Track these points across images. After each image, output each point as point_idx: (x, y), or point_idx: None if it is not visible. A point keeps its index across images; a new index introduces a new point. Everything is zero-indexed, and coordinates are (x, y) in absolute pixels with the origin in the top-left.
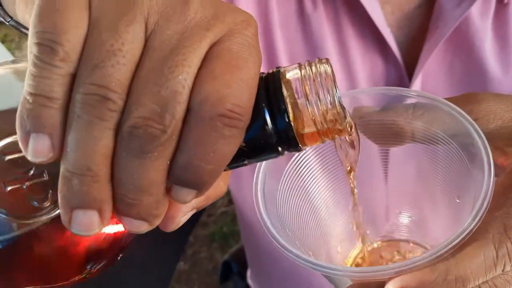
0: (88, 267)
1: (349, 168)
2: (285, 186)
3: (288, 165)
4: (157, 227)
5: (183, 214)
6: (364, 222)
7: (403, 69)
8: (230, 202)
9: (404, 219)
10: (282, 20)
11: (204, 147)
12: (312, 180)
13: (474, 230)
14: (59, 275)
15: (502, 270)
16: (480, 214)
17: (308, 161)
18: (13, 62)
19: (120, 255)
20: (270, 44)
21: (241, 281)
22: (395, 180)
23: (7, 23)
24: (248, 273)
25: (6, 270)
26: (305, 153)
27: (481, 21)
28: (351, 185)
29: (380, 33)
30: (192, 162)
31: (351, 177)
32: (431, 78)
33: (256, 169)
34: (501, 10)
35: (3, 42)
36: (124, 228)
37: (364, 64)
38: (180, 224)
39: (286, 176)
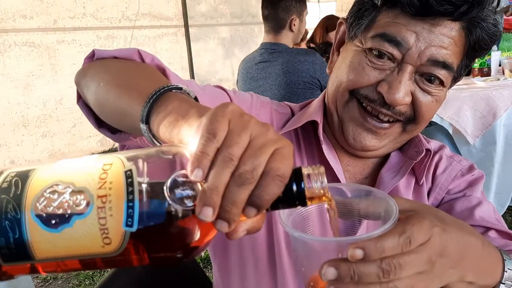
0: (187, 245)
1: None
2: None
3: (295, 213)
4: None
5: (242, 230)
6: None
7: None
8: None
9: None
10: None
11: (267, 187)
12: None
13: (388, 229)
14: (176, 246)
15: (401, 250)
16: (391, 223)
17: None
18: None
19: (200, 249)
20: None
21: None
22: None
23: (148, 135)
24: None
25: (160, 239)
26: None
27: (405, 191)
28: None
29: None
30: (260, 193)
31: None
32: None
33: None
34: (417, 188)
35: None
36: (215, 226)
37: None
38: (239, 236)
39: (293, 216)
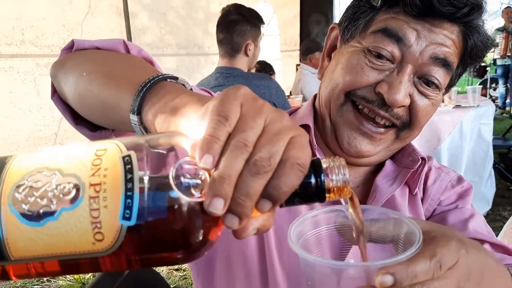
0: (192, 243)
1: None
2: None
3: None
4: None
5: (252, 228)
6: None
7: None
8: None
9: None
10: None
11: (285, 177)
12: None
13: (416, 251)
14: (180, 244)
15: (432, 275)
16: (417, 247)
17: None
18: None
19: (204, 250)
20: None
21: None
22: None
23: (138, 128)
24: None
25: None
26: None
27: (401, 200)
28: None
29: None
30: (278, 183)
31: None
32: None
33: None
34: (412, 197)
35: None
36: (223, 222)
37: None
38: (249, 235)
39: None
